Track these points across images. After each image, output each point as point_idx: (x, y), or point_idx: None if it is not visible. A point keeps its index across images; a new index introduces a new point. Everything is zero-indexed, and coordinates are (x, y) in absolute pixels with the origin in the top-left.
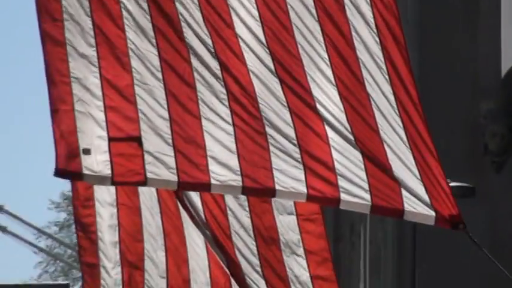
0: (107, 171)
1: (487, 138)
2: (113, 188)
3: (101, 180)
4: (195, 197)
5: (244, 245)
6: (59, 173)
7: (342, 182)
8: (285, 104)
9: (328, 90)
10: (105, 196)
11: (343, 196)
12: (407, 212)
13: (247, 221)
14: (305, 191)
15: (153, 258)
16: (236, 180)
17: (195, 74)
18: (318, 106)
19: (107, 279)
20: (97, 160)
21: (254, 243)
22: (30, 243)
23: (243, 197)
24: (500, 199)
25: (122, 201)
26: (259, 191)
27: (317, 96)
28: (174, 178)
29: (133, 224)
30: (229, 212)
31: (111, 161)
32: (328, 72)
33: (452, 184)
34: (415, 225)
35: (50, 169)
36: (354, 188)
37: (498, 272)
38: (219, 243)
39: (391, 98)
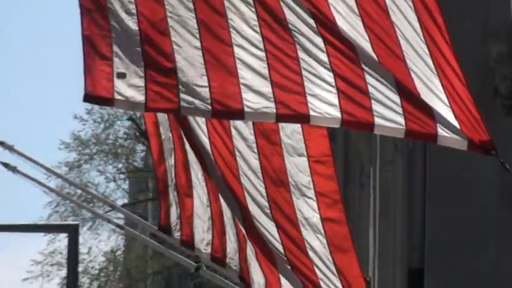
0: (140, 97)
1: (498, 81)
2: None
3: (133, 105)
4: (203, 137)
5: (253, 187)
6: (89, 98)
7: (376, 107)
8: (316, 30)
9: (353, 20)
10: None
11: (377, 120)
12: (441, 136)
13: (255, 162)
14: (339, 116)
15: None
16: (270, 107)
17: (226, 2)
18: (345, 36)
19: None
20: (130, 84)
21: (263, 185)
22: (40, 183)
23: (251, 139)
24: (510, 141)
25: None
26: (293, 117)
27: (342, 27)
28: (208, 108)
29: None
30: (237, 153)
31: (145, 87)
32: (352, 2)
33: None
34: (425, 167)
35: (61, 108)
36: (388, 112)
37: (510, 214)
38: (228, 184)
39: (416, 25)
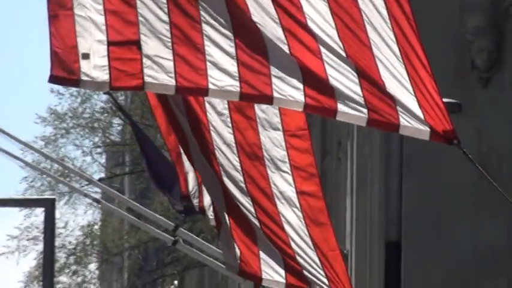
0: (104, 76)
1: (474, 54)
2: None
3: (99, 85)
4: (180, 111)
5: (228, 161)
6: (54, 79)
7: (337, 96)
8: (277, 21)
9: (320, 7)
10: None
11: (340, 107)
12: (403, 126)
13: (229, 137)
14: (303, 99)
15: None
16: (234, 85)
17: None
18: (310, 23)
19: None
20: (95, 65)
21: (237, 159)
22: (16, 158)
23: (226, 113)
24: (486, 114)
25: None
26: (256, 97)
27: (308, 14)
28: (172, 82)
29: None
30: (211, 128)
31: (109, 66)
32: None
33: (441, 98)
34: (402, 140)
35: (37, 83)
36: (350, 101)
37: (486, 186)
38: (205, 158)
39: (384, 12)
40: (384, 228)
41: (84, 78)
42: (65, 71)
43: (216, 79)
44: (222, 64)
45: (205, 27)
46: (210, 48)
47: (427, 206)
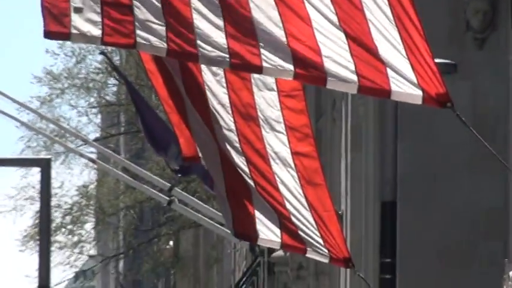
0: (96, 31)
1: (469, 15)
2: None
3: (90, 39)
4: (175, 64)
5: (223, 121)
6: (48, 34)
7: (327, 64)
8: None
9: None
10: None
11: (329, 76)
12: (394, 91)
13: (224, 97)
14: (292, 68)
15: None
16: (223, 56)
17: None
18: None
19: None
20: (87, 18)
21: (232, 119)
22: (12, 117)
23: (221, 74)
24: (481, 75)
25: None
26: (245, 67)
27: None
28: (163, 45)
29: None
30: (206, 88)
31: (102, 22)
32: None
33: (435, 60)
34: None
35: (33, 43)
36: (340, 68)
37: (482, 147)
38: (199, 118)
39: None
40: (379, 188)
41: (74, 31)
42: (57, 24)
43: (206, 49)
44: (210, 35)
45: (193, 0)
46: (198, 20)
47: (422, 166)
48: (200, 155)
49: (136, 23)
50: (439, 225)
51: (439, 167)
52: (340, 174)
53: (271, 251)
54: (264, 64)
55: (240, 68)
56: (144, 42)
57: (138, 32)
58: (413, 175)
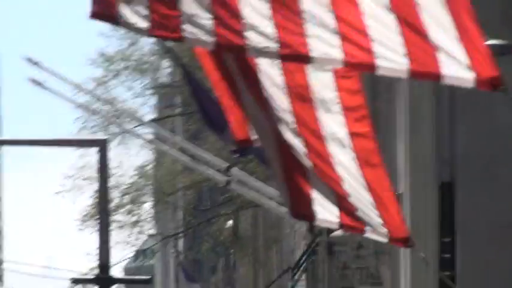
0: (143, 24)
1: None
2: None
3: (137, 30)
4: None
5: (278, 103)
6: (94, 14)
7: (377, 48)
8: None
9: None
10: None
11: (379, 62)
12: (446, 75)
13: (279, 79)
14: (341, 57)
15: None
16: (271, 46)
17: None
18: None
19: None
20: (136, 11)
21: (288, 101)
22: (69, 99)
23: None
24: None
25: None
26: (294, 57)
27: None
28: (211, 39)
29: None
30: (260, 70)
31: (149, 16)
32: None
33: (489, 42)
34: None
35: (88, 26)
36: (390, 53)
37: None
38: (253, 100)
39: None
40: (437, 169)
41: (122, 20)
42: (104, 8)
43: (254, 40)
44: (258, 26)
45: None
46: (247, 10)
47: (480, 146)
48: (256, 137)
49: (184, 17)
50: (498, 205)
51: (497, 147)
52: (397, 155)
53: (330, 230)
54: (312, 54)
55: (289, 58)
56: (192, 36)
57: (185, 26)
58: (471, 156)
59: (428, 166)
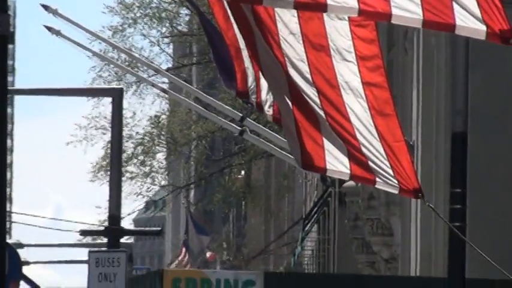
0: None
1: None
2: None
3: None
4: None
5: (293, 51)
6: None
7: None
8: None
9: None
10: None
11: (394, 10)
12: (459, 26)
13: (295, 27)
14: (357, 5)
15: None
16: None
17: None
18: None
19: None
20: None
21: (303, 49)
22: (84, 47)
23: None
24: None
25: None
26: (310, 6)
27: None
28: None
29: None
30: (277, 18)
31: None
32: None
33: None
34: None
35: None
36: (406, 2)
37: None
38: (270, 49)
39: None
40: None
41: None
42: None
43: None
44: None
45: None
46: None
47: (494, 98)
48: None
49: None
50: (510, 156)
51: (510, 98)
52: (412, 104)
53: (342, 181)
54: (328, 2)
55: (305, 7)
56: None
57: None
58: (485, 106)
59: (440, 116)
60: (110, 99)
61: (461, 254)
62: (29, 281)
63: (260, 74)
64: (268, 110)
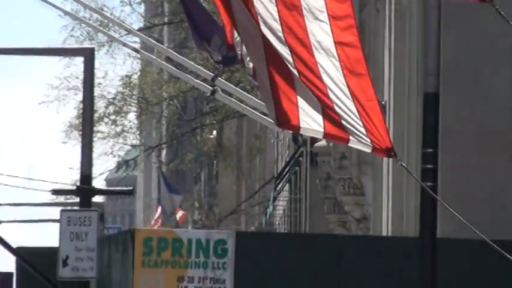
0: None
1: None
2: None
3: None
4: None
5: (266, 11)
6: None
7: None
8: None
9: None
10: None
11: None
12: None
13: None
14: None
15: None
16: None
17: None
18: None
19: None
20: None
21: (275, 8)
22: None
23: None
24: None
25: None
26: None
27: None
28: None
29: None
30: None
31: None
32: None
33: None
34: None
35: None
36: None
37: None
38: (244, 8)
39: None
40: (422, 79)
41: None
42: None
43: None
44: None
45: None
46: None
47: (466, 57)
48: (244, 45)
49: None
50: (482, 115)
51: (483, 58)
52: (384, 65)
53: (313, 141)
54: None
55: None
56: None
57: None
58: (457, 66)
59: (413, 76)
60: (81, 59)
61: (432, 213)
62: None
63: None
64: (249, 64)
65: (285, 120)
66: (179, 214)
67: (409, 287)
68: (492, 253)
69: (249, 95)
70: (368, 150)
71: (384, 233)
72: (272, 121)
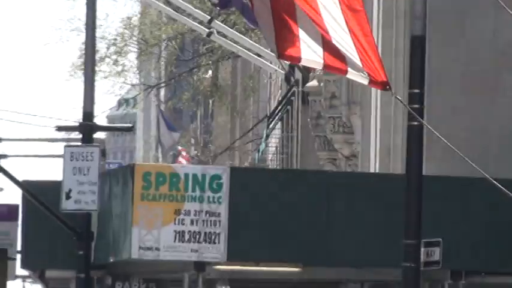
0: None
1: None
2: None
3: None
4: None
5: None
6: None
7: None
8: None
9: None
10: None
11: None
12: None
13: None
14: None
15: None
16: None
17: None
18: None
19: None
20: None
21: None
22: None
23: None
24: None
25: None
26: None
27: None
28: None
29: None
30: None
31: None
32: None
33: None
34: None
35: None
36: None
37: None
38: None
39: None
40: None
41: None
42: None
43: None
44: None
45: None
46: None
47: (452, 1)
48: None
49: None
50: (467, 57)
51: (469, 1)
52: (372, 7)
53: (305, 80)
54: None
55: None
56: None
57: None
58: (444, 10)
59: (400, 19)
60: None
61: (418, 151)
62: (6, 173)
63: None
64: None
65: (285, 52)
66: (183, 160)
67: (392, 215)
68: (475, 189)
69: (243, 37)
70: (365, 82)
71: (372, 170)
72: (272, 53)
